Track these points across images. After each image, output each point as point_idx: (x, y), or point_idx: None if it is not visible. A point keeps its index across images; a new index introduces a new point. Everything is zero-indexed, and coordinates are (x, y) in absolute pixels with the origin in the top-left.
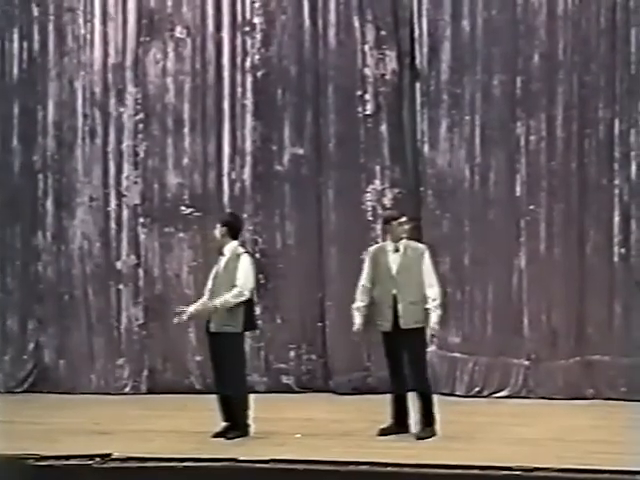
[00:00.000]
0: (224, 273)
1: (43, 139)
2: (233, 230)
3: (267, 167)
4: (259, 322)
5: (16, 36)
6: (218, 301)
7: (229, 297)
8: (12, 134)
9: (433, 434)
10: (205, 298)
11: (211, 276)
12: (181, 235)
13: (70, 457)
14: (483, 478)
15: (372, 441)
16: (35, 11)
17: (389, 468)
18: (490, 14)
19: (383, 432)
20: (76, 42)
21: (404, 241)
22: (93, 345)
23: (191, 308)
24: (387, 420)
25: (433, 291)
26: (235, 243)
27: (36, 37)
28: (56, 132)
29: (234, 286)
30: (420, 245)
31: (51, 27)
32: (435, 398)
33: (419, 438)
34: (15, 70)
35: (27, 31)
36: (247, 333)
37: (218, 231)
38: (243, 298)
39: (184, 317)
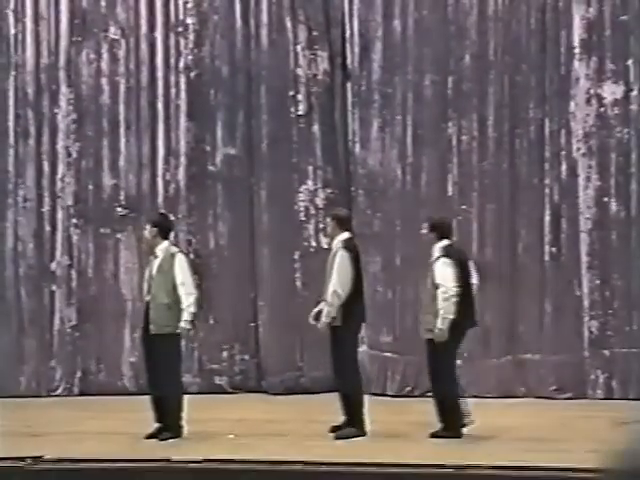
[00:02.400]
0: (159, 274)
1: None
2: (163, 230)
3: (200, 168)
4: None
5: None
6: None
7: (192, 300)
8: None
9: (352, 435)
10: (147, 299)
11: (145, 277)
12: (117, 236)
13: (1, 459)
14: (415, 476)
15: (306, 440)
16: None
17: (323, 467)
18: (421, 14)
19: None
20: (6, 43)
21: None
22: (24, 347)
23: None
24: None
25: None
26: (166, 243)
27: None
28: None
29: (184, 287)
30: None
31: None
32: (366, 398)
33: (337, 438)
34: None
35: None
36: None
37: (148, 232)
38: (189, 292)
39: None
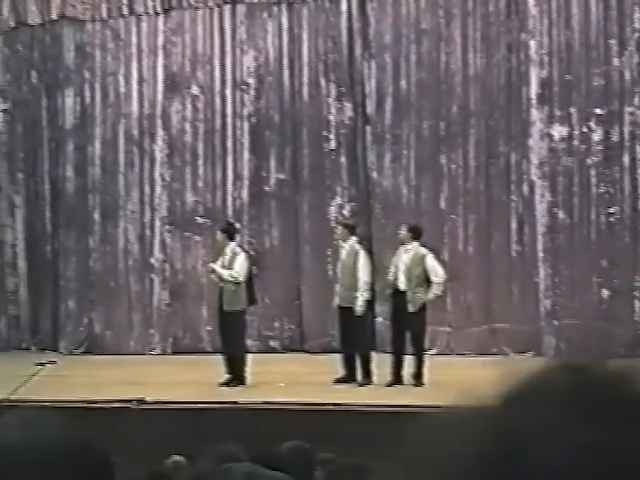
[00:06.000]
0: (226, 268)
1: (92, 169)
2: (230, 234)
3: (259, 188)
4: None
5: (71, 93)
6: (225, 272)
7: (227, 273)
8: (67, 165)
9: (370, 382)
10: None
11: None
12: (197, 239)
13: (113, 401)
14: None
15: (335, 388)
16: (86, 74)
17: (349, 407)
18: (421, 76)
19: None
20: (117, 97)
21: None
22: (132, 319)
23: (217, 268)
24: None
25: None
26: (233, 244)
27: (87, 94)
28: (101, 164)
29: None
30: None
31: (98, 86)
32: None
33: (360, 385)
34: (71, 118)
35: (80, 89)
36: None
37: (219, 236)
38: (235, 280)
39: (210, 266)
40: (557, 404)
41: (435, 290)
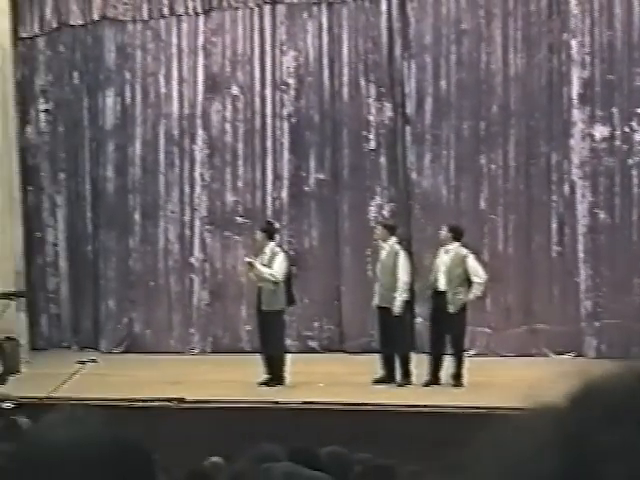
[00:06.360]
0: (266, 267)
1: (132, 169)
2: (269, 234)
3: (298, 188)
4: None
5: (112, 93)
6: (264, 270)
7: (267, 271)
8: (108, 166)
9: (409, 383)
10: (259, 284)
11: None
12: (237, 238)
13: (154, 400)
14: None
15: (374, 388)
16: (127, 75)
17: (389, 408)
18: (461, 76)
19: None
20: (158, 98)
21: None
22: (172, 319)
23: (257, 264)
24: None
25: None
26: (272, 244)
27: (127, 94)
28: (142, 164)
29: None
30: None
31: (138, 86)
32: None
33: (399, 385)
34: (111, 118)
35: (120, 89)
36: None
37: (259, 235)
38: (274, 279)
39: (249, 260)
40: (622, 408)
41: (476, 290)
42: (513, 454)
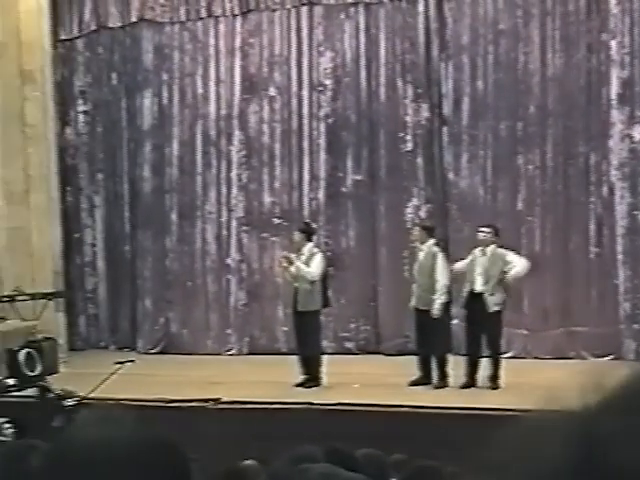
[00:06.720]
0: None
1: (170, 169)
2: (307, 235)
3: (335, 189)
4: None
5: (150, 94)
6: (304, 267)
7: (305, 269)
8: (145, 166)
9: (446, 385)
10: (295, 285)
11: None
12: (274, 239)
13: (191, 400)
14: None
15: (410, 389)
16: (164, 76)
17: (423, 410)
18: (498, 76)
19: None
20: (195, 98)
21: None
22: (209, 319)
23: (297, 261)
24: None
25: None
26: (310, 244)
27: (165, 95)
28: (179, 164)
29: (310, 274)
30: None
31: (176, 87)
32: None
33: (436, 387)
34: (149, 119)
35: (158, 90)
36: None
37: (296, 236)
38: (311, 278)
39: (288, 256)
40: None
41: (518, 270)
42: (538, 455)
